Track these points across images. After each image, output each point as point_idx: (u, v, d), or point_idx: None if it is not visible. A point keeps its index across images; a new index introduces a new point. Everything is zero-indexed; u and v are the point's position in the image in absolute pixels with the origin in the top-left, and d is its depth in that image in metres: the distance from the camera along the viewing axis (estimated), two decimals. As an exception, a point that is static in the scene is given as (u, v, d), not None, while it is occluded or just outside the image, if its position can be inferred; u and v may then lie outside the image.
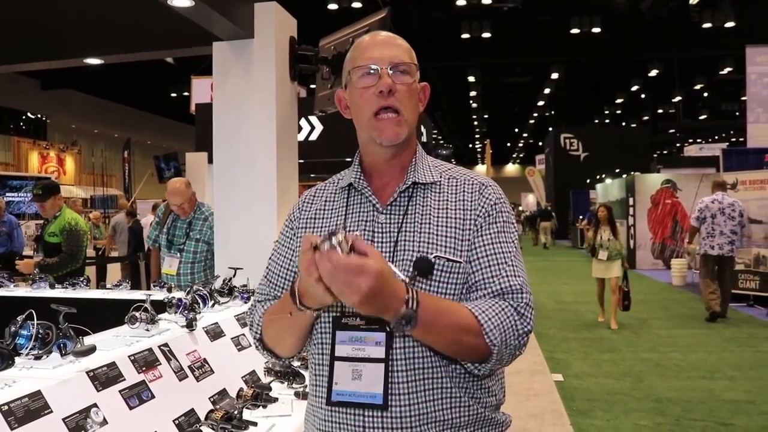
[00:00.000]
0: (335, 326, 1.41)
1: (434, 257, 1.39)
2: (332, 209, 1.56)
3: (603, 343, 7.85)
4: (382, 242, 1.44)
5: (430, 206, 1.47)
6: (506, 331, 1.33)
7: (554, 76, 25.35)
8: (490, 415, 1.45)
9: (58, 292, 4.13)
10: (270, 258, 1.64)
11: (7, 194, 15.72)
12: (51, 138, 29.02)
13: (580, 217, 23.04)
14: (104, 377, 2.10)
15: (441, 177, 1.52)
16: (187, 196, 5.01)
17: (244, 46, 4.33)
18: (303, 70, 4.60)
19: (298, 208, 1.62)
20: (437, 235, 1.42)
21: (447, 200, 1.47)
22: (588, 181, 27.71)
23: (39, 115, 30.08)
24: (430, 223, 1.44)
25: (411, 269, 1.34)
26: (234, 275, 3.78)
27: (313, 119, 10.23)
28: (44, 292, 4.16)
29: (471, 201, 1.47)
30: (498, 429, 1.47)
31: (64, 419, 1.86)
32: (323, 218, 1.56)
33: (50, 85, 27.78)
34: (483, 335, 1.31)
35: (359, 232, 1.46)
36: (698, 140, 36.33)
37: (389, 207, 1.48)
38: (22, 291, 4.25)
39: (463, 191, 1.49)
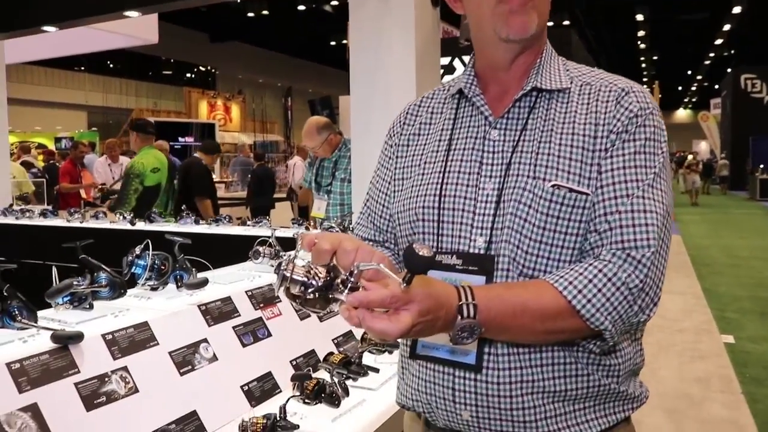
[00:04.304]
0: None
1: (552, 186, 1.09)
2: (439, 122, 1.28)
3: (785, 304, 6.97)
4: (492, 164, 1.16)
5: (554, 120, 1.15)
6: (617, 309, 1.02)
7: (736, 10, 22.77)
8: (619, 387, 1.13)
9: (203, 228, 4.21)
10: (370, 182, 1.38)
11: (179, 139, 17.00)
12: (219, 88, 30.80)
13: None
14: (217, 312, 1.99)
15: (572, 83, 1.19)
16: (318, 142, 4.73)
17: (383, -30, 4.05)
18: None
19: (401, 122, 1.36)
20: (559, 157, 1.12)
21: (576, 112, 1.15)
22: (772, 126, 25.02)
23: (208, 67, 31.97)
24: (551, 142, 1.13)
25: (406, 272, 0.89)
26: (370, 213, 3.61)
27: (468, 60, 9.77)
28: (190, 227, 4.26)
29: (606, 112, 1.13)
30: (629, 405, 1.17)
31: (170, 352, 1.78)
32: (428, 134, 1.29)
33: (218, 38, 29.34)
34: (583, 321, 1.02)
35: (467, 150, 1.19)
36: None
37: (504, 120, 1.19)
38: (170, 226, 4.36)
39: (597, 100, 1.15)
